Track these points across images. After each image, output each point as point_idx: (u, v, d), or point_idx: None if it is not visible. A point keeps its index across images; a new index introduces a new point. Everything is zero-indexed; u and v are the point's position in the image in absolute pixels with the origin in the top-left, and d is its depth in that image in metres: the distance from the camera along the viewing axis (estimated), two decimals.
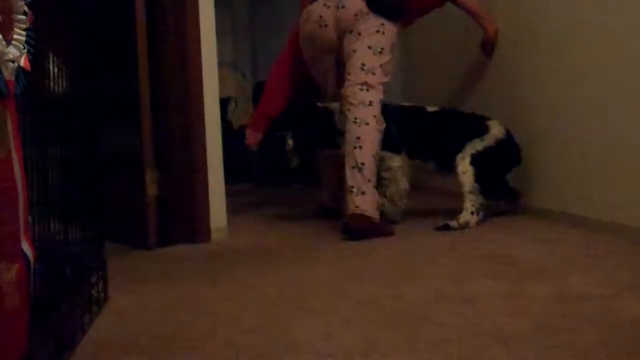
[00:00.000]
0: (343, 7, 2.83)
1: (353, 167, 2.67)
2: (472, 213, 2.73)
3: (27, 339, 1.08)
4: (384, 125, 2.79)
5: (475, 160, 2.79)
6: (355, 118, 2.73)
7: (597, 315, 1.48)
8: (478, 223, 2.73)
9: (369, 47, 2.79)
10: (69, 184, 1.55)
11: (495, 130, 2.85)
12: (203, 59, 2.61)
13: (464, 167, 2.79)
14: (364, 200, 2.63)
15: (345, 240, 2.56)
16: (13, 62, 1.06)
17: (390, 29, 2.83)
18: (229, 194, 2.79)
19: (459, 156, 2.81)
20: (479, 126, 2.87)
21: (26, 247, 1.10)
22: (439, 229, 2.69)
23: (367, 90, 2.76)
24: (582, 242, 2.30)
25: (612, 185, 2.41)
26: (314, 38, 2.96)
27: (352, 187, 2.64)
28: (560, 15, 2.70)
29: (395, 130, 2.89)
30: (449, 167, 2.85)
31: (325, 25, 2.89)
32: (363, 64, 2.78)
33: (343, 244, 2.52)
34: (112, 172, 2.54)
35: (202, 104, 2.61)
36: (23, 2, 1.11)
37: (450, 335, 1.38)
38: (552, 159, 2.79)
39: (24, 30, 1.11)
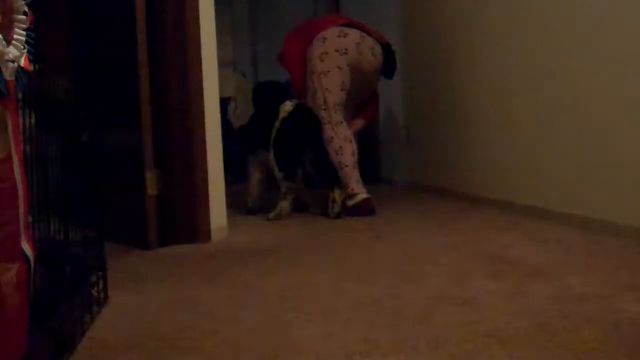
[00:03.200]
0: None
1: None
2: (282, 199, 3.05)
3: (27, 339, 1.08)
4: None
5: (273, 147, 3.09)
6: None
7: (597, 315, 1.48)
8: (291, 206, 3.07)
9: None
10: (69, 184, 1.55)
11: (281, 112, 3.09)
12: (203, 59, 2.61)
13: (271, 157, 3.09)
14: None
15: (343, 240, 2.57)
16: (13, 62, 1.06)
17: None
18: (229, 194, 2.79)
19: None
20: (275, 112, 3.12)
21: (26, 247, 1.10)
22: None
23: None
24: (582, 242, 2.30)
25: (612, 185, 2.41)
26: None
27: None
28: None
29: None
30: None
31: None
32: None
33: (343, 244, 2.53)
34: (112, 172, 2.54)
35: (202, 104, 2.61)
36: (23, 2, 1.11)
37: (450, 335, 1.38)
38: (552, 160, 2.79)
39: (24, 30, 1.11)
